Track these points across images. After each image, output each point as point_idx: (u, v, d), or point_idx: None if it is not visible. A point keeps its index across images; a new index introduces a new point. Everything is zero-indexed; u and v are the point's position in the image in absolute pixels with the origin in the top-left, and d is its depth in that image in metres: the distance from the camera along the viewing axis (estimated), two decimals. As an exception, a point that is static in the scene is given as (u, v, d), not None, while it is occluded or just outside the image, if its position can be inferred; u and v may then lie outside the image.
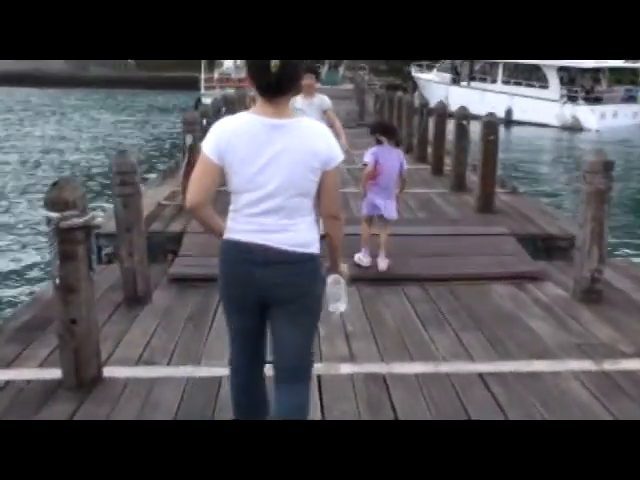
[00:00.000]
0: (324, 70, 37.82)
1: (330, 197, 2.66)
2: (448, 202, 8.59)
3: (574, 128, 27.59)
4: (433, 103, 12.53)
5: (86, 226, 3.63)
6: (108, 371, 3.90)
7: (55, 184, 3.65)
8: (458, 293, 5.29)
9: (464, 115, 9.21)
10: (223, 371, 3.93)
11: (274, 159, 2.56)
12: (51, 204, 3.58)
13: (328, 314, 2.92)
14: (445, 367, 3.96)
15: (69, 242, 3.59)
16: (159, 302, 5.13)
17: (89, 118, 29.28)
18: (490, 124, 7.93)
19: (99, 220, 3.71)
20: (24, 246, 9.91)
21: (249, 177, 2.58)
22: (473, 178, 9.79)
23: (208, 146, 2.61)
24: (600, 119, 27.79)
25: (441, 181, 10.22)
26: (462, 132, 9.19)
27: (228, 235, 2.68)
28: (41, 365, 4.06)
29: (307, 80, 6.27)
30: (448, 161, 10.75)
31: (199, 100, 28.63)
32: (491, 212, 7.88)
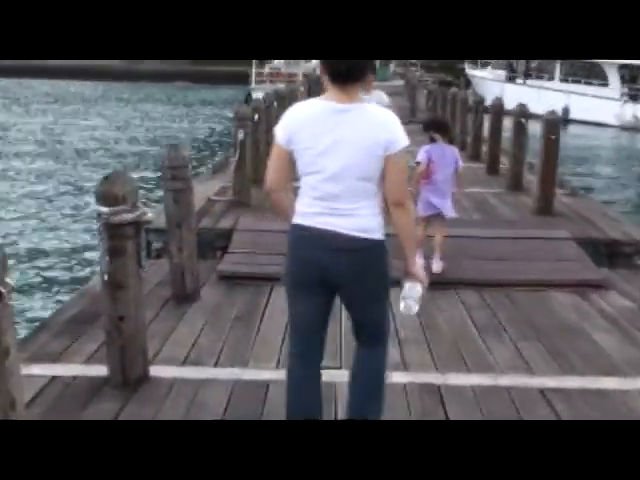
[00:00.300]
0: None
1: (394, 183, 2.64)
2: (504, 203, 8.28)
3: (636, 128, 26.63)
4: (488, 101, 12.19)
5: (136, 222, 3.54)
6: (154, 370, 3.82)
7: (106, 178, 3.57)
8: (516, 300, 5.05)
9: (523, 113, 8.88)
10: (270, 375, 3.83)
11: (337, 142, 2.60)
12: (101, 198, 3.50)
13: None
14: (504, 380, 3.75)
15: (119, 238, 3.51)
16: (207, 300, 5.04)
17: (140, 111, 29.64)
18: (551, 122, 7.60)
19: (150, 216, 3.62)
20: (77, 238, 10.00)
21: (312, 160, 2.64)
22: (529, 177, 9.46)
23: (278, 132, 2.72)
24: None
25: (497, 180, 9.90)
26: (520, 130, 8.88)
27: (296, 220, 2.75)
28: (87, 361, 4.00)
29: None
30: (503, 160, 10.44)
31: (249, 94, 28.70)
32: (550, 214, 7.56)
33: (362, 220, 2.64)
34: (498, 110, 10.60)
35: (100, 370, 3.76)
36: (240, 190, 7.67)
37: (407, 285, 2.81)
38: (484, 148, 11.54)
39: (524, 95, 22.92)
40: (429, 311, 4.75)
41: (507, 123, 10.31)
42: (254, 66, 32.39)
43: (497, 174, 10.36)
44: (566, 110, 27.90)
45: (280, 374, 3.83)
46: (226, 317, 4.71)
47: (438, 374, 3.82)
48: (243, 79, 34.49)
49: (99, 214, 3.50)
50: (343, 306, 2.90)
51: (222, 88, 39.79)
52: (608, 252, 6.50)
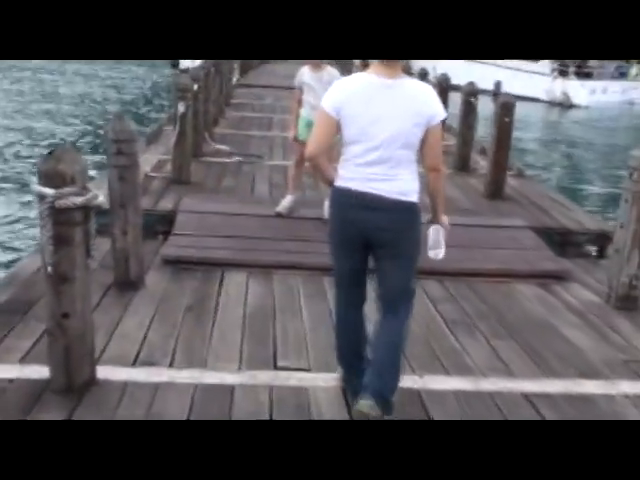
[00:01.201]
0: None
1: (433, 151, 2.93)
2: (454, 185, 8.01)
3: (564, 104, 27.13)
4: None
5: (86, 206, 3.08)
6: (102, 371, 3.39)
7: (51, 154, 3.08)
8: (480, 292, 4.86)
9: (472, 91, 8.71)
10: (234, 378, 3.48)
11: (384, 114, 2.83)
12: (46, 178, 3.01)
13: None
14: (486, 384, 3.53)
15: (65, 224, 3.04)
16: (153, 287, 4.60)
17: (59, 73, 27.78)
18: (506, 105, 7.42)
19: (101, 199, 3.14)
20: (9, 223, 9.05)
21: (360, 129, 2.86)
22: (476, 158, 9.34)
23: (328, 102, 2.91)
24: (590, 95, 27.33)
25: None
26: (469, 109, 8.71)
27: (339, 183, 2.97)
28: (23, 359, 3.53)
29: None
30: (446, 136, 10.23)
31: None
32: (501, 198, 7.45)
33: (401, 184, 2.88)
34: (445, 85, 10.37)
35: (39, 372, 3.32)
36: (180, 166, 7.16)
37: (431, 231, 3.14)
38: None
39: (455, 68, 22.86)
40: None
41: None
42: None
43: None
44: (498, 85, 28.11)
45: (244, 377, 3.49)
46: (176, 308, 4.30)
47: (416, 377, 3.56)
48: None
49: (42, 196, 3.01)
50: (375, 271, 3.05)
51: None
52: (561, 241, 6.43)
